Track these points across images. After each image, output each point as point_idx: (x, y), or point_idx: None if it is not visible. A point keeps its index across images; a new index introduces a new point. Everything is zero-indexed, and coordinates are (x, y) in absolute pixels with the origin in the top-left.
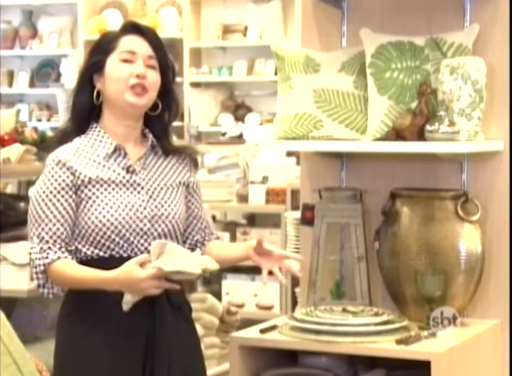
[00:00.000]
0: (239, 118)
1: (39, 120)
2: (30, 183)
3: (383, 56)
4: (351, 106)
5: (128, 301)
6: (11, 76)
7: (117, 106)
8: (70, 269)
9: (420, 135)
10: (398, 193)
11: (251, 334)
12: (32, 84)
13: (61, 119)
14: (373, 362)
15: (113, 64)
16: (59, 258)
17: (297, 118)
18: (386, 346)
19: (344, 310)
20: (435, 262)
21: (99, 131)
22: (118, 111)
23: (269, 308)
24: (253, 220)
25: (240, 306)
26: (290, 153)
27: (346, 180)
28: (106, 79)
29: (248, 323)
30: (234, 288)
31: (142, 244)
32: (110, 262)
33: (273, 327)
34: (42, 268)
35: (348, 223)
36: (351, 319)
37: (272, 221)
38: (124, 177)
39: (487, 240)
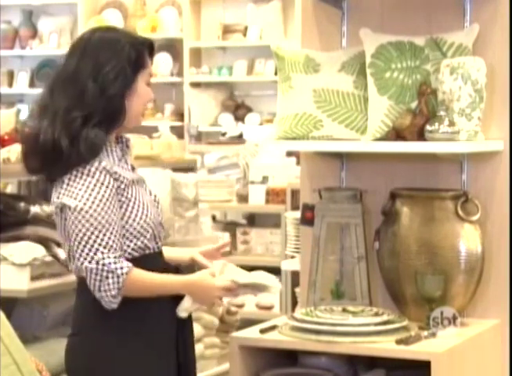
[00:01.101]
0: (239, 118)
1: None
2: (30, 183)
3: (383, 56)
4: (351, 106)
5: (186, 309)
6: (11, 76)
7: (127, 120)
8: (146, 276)
9: (420, 135)
10: (398, 193)
11: (251, 334)
12: (32, 84)
13: None
14: (373, 362)
15: (142, 85)
16: (130, 266)
17: (297, 118)
18: (386, 346)
19: (344, 310)
20: (435, 262)
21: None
22: (126, 125)
23: (269, 308)
24: (253, 220)
25: (240, 306)
26: (290, 153)
27: (346, 180)
28: (134, 96)
29: (248, 323)
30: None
31: (160, 238)
32: (143, 261)
33: (273, 327)
34: (125, 277)
35: (348, 223)
36: (351, 319)
37: (272, 221)
38: (134, 182)
39: (487, 240)
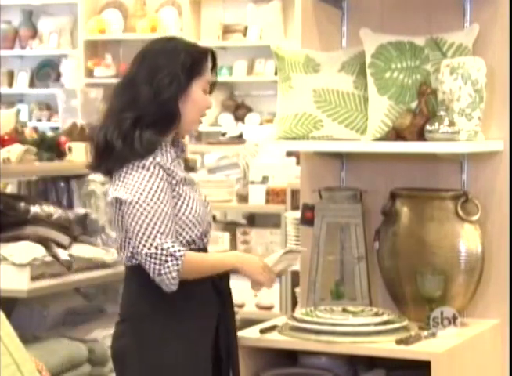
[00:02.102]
0: (239, 118)
1: (39, 120)
2: (30, 183)
3: (383, 56)
4: (351, 106)
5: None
6: (11, 76)
7: (185, 127)
8: (200, 256)
9: (420, 135)
10: (398, 193)
11: (251, 334)
12: (32, 84)
13: (61, 119)
14: (373, 362)
15: (198, 91)
16: (186, 251)
17: (297, 118)
18: (386, 346)
19: (344, 310)
20: (435, 262)
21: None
22: (182, 129)
23: (269, 308)
24: (253, 220)
25: (240, 306)
26: (290, 153)
27: (346, 180)
28: (189, 102)
29: (248, 323)
30: (234, 288)
31: (208, 236)
32: None
33: (273, 327)
34: (183, 258)
35: (348, 223)
36: (351, 319)
37: (272, 221)
38: (187, 180)
39: (487, 240)
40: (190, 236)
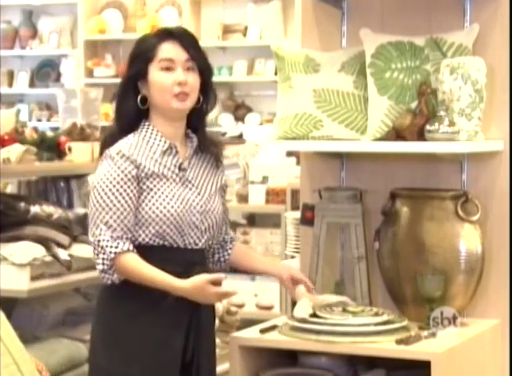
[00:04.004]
0: (239, 118)
1: (39, 120)
2: (30, 183)
3: (383, 56)
4: (351, 106)
5: None
6: (11, 76)
7: (164, 111)
8: (139, 266)
9: (420, 135)
10: (398, 193)
11: (251, 334)
12: (32, 84)
13: (61, 119)
14: (373, 362)
15: (155, 73)
16: (128, 250)
17: (297, 118)
18: (386, 346)
19: (344, 310)
20: (435, 262)
21: (152, 129)
22: (165, 114)
23: (269, 308)
24: (253, 220)
25: (240, 306)
26: (290, 153)
27: (346, 180)
28: (151, 87)
29: (248, 323)
30: (234, 288)
31: (192, 237)
32: (162, 251)
33: (273, 327)
34: (113, 256)
35: (348, 223)
36: (351, 319)
37: (272, 221)
38: (177, 174)
39: (487, 240)
40: (157, 230)
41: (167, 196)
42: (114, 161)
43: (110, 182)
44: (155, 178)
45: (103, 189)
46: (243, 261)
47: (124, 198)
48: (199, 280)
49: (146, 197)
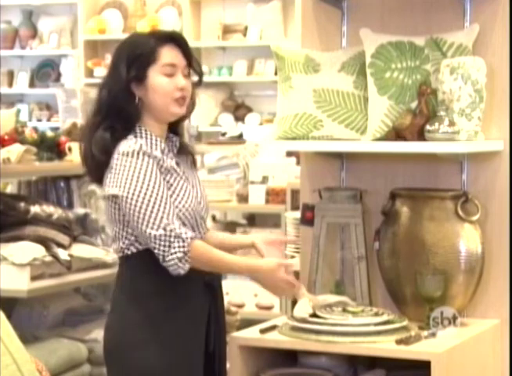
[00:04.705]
0: (239, 118)
1: (39, 120)
2: (30, 183)
3: (383, 56)
4: (351, 106)
5: None
6: (11, 76)
7: (160, 114)
8: (209, 249)
9: (420, 135)
10: (398, 193)
11: (251, 334)
12: (32, 84)
13: (61, 119)
14: (373, 362)
15: (156, 78)
16: (196, 237)
17: (297, 118)
18: (386, 346)
19: (344, 310)
20: (435, 262)
21: (146, 130)
22: (160, 117)
23: (269, 308)
24: (253, 220)
25: (240, 306)
26: (290, 153)
27: (346, 180)
28: (150, 91)
29: (248, 323)
30: (234, 288)
31: (201, 229)
32: None
33: (273, 327)
34: (189, 240)
35: (348, 223)
36: (351, 319)
37: (272, 221)
38: (178, 171)
39: (487, 240)
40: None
41: (185, 191)
42: (140, 159)
43: (148, 178)
44: (172, 174)
45: (148, 184)
46: (217, 247)
47: (166, 188)
48: (272, 261)
49: (169, 190)
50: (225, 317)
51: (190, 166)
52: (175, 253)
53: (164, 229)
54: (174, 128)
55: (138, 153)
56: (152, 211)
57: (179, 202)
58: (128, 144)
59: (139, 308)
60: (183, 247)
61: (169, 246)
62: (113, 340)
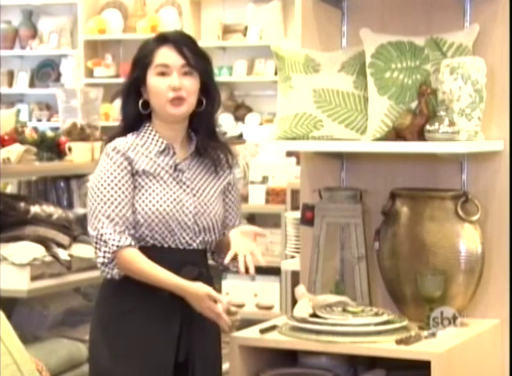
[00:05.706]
0: (239, 118)
1: (39, 120)
2: (30, 183)
3: (383, 56)
4: (351, 106)
5: None
6: (11, 76)
7: (161, 115)
8: (140, 261)
9: (420, 135)
10: (398, 193)
11: (251, 334)
12: (32, 84)
13: (61, 119)
14: (373, 362)
15: (151, 79)
16: (130, 245)
17: (297, 118)
18: (386, 346)
19: (344, 310)
20: (435, 262)
21: (151, 130)
22: (163, 118)
23: (269, 308)
24: (253, 220)
25: (240, 306)
26: (290, 153)
27: (346, 180)
28: (149, 92)
29: (248, 323)
30: (234, 288)
31: (184, 237)
32: (151, 252)
33: (273, 327)
34: (115, 248)
35: (348, 223)
36: (351, 319)
37: (272, 221)
38: (171, 174)
39: (487, 240)
40: (145, 229)
41: (157, 194)
42: (110, 157)
43: (108, 177)
44: (147, 176)
45: (102, 184)
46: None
47: (122, 191)
48: (202, 290)
49: (137, 194)
50: (211, 328)
51: (208, 170)
52: (100, 257)
53: (98, 231)
54: (196, 127)
55: (112, 151)
56: (95, 211)
57: (146, 205)
58: (115, 142)
59: (103, 309)
60: (108, 253)
61: (98, 249)
62: (92, 334)
